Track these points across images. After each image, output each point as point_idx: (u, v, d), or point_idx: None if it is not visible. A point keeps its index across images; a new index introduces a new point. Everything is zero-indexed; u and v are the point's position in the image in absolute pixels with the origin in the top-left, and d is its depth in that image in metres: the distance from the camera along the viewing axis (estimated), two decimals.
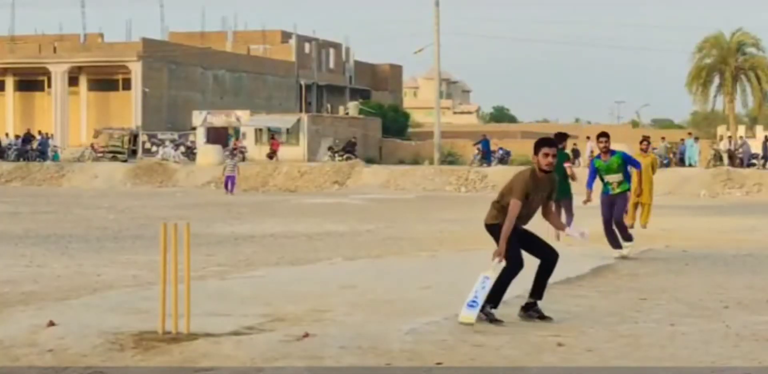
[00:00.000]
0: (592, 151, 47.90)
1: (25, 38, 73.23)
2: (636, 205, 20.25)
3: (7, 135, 57.59)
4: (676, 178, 37.01)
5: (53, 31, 75.61)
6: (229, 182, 36.85)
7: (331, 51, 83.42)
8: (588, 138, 52.07)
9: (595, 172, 14.46)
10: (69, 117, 63.72)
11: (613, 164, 14.30)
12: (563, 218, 15.14)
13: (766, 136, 49.28)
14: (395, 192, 39.40)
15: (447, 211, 26.79)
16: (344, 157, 51.43)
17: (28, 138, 54.94)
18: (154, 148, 57.18)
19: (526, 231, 8.82)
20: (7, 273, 12.53)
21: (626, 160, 14.61)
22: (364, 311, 8.92)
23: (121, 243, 17.07)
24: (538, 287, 8.88)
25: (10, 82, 66.92)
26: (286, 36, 79.21)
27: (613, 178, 14.34)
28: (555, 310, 9.39)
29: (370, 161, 52.60)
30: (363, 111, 72.20)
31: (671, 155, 48.06)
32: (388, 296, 9.92)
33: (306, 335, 7.49)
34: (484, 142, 50.51)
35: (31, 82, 67.18)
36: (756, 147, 49.67)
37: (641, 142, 20.91)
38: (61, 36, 72.54)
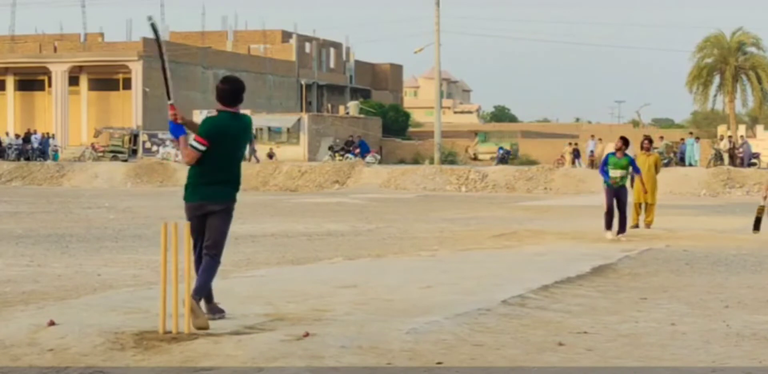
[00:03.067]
0: (592, 151, 47.89)
1: (25, 38, 73.27)
2: (639, 205, 20.27)
3: (7, 134, 57.61)
4: (676, 177, 36.95)
5: (54, 30, 75.77)
6: None
7: (332, 50, 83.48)
8: (592, 137, 52.08)
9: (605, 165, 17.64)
10: (69, 116, 63.72)
11: (622, 162, 17.58)
12: None
13: None
14: (395, 191, 39.36)
15: (447, 211, 26.76)
16: (345, 156, 51.46)
17: (28, 137, 54.99)
18: (154, 148, 57.17)
19: None
20: (8, 272, 12.52)
21: (631, 163, 17.83)
22: (365, 310, 8.91)
23: (121, 242, 17.05)
24: None
25: (10, 81, 66.93)
26: (286, 35, 79.27)
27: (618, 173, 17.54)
28: (555, 310, 9.39)
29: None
30: (363, 110, 72.22)
31: (671, 154, 48.01)
32: (388, 295, 9.91)
33: (306, 334, 7.48)
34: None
35: (31, 81, 67.18)
36: (756, 146, 49.61)
37: (643, 142, 20.93)
38: (61, 35, 72.57)
